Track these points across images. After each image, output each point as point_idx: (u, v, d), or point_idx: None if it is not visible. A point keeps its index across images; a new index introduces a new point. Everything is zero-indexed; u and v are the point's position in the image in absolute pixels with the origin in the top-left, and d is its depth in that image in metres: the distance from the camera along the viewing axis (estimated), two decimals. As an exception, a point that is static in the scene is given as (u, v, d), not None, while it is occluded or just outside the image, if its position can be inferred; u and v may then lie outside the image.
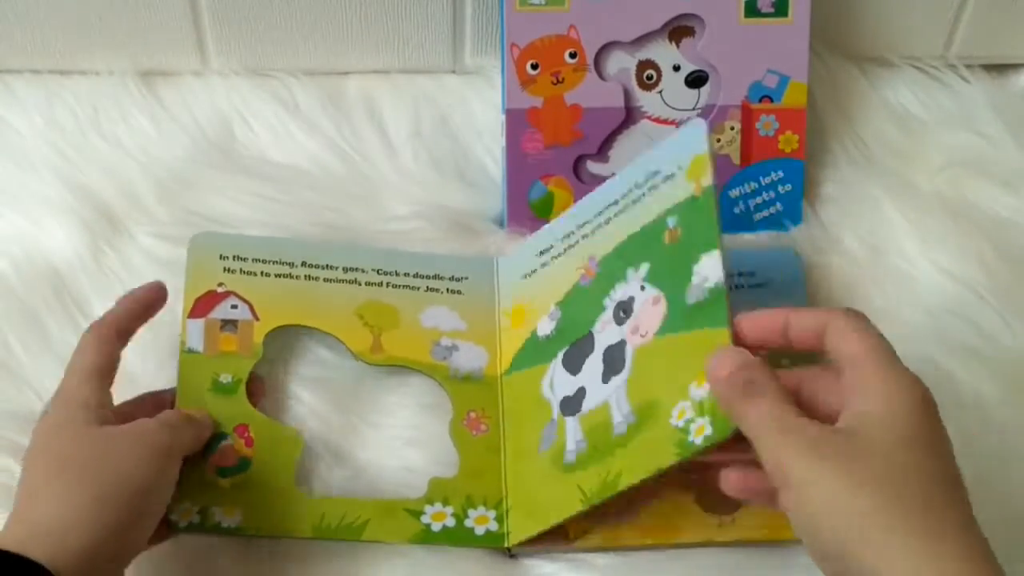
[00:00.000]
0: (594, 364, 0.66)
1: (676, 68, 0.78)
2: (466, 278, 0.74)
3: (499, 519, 0.66)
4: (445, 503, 0.66)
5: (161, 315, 0.67)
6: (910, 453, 0.50)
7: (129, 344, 0.65)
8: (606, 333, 0.66)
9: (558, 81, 0.78)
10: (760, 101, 0.79)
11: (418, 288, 0.72)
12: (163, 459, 0.59)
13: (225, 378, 0.66)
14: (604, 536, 0.67)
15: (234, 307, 0.69)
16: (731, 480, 0.56)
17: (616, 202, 0.68)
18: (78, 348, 0.63)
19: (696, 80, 0.79)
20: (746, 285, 0.75)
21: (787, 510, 0.51)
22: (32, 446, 0.59)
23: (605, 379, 0.65)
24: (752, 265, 0.76)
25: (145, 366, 0.70)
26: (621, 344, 0.65)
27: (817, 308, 0.58)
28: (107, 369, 0.62)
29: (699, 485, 0.68)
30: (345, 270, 0.72)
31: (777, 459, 0.51)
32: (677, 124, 0.79)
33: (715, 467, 0.57)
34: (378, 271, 0.72)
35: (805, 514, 0.50)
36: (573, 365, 0.67)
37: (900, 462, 0.50)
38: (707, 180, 0.62)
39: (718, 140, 0.79)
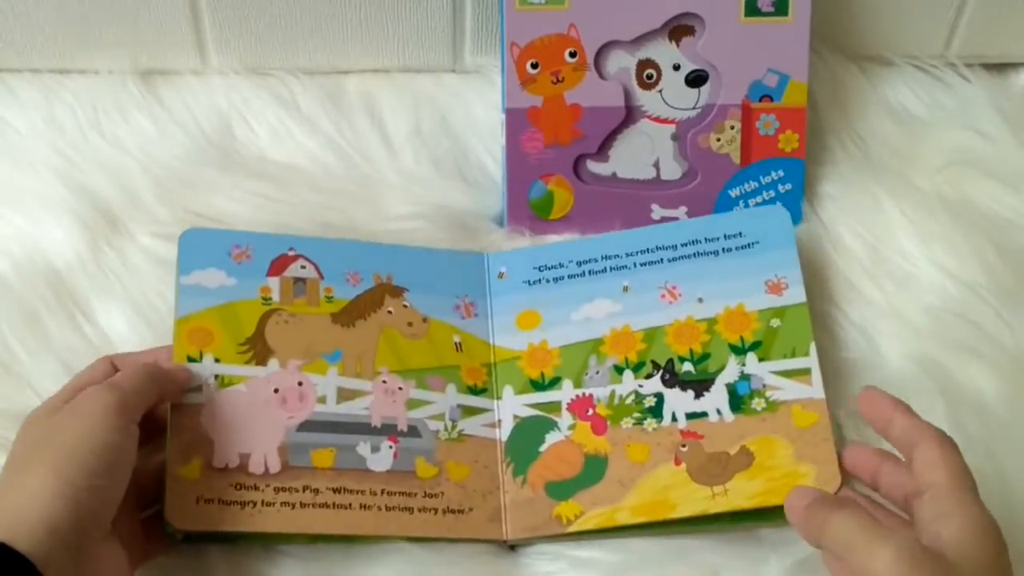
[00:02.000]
0: None
1: (676, 67, 0.78)
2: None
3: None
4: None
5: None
6: None
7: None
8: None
9: (558, 80, 0.78)
10: (760, 100, 0.79)
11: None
12: (109, 418, 0.58)
13: None
14: (599, 518, 0.67)
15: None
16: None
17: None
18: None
19: (696, 79, 0.79)
20: (734, 248, 0.74)
21: None
22: None
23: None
24: (738, 226, 0.75)
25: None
26: None
27: (915, 421, 0.61)
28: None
29: (690, 457, 0.68)
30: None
31: (868, 561, 0.53)
32: (677, 123, 0.79)
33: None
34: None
35: None
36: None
37: None
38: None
39: (718, 139, 0.79)
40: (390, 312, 0.72)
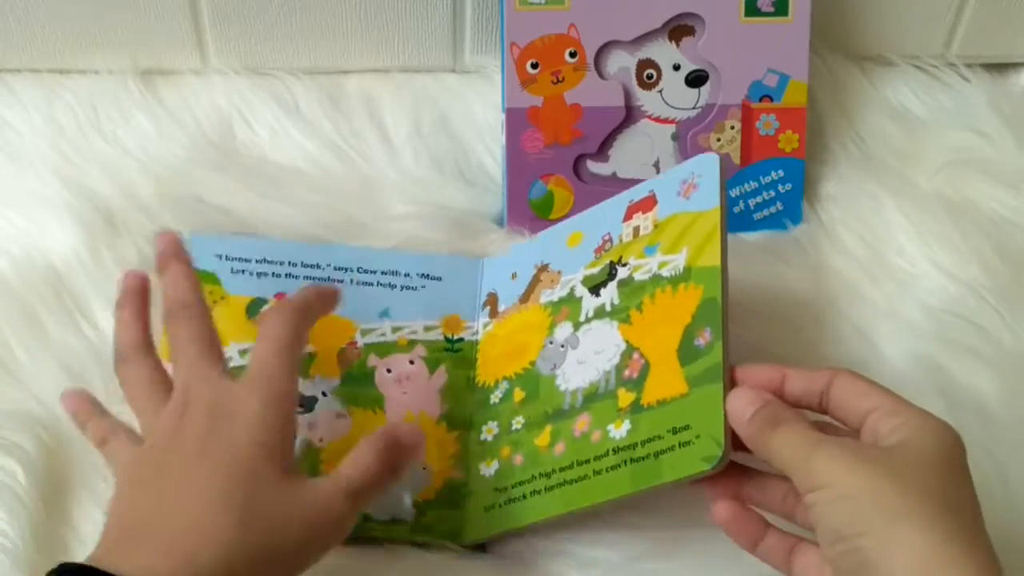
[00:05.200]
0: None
1: (676, 67, 0.78)
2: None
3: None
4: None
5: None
6: (941, 478, 0.51)
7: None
8: None
9: (558, 80, 0.78)
10: (760, 100, 0.79)
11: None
12: (336, 530, 0.56)
13: None
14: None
15: None
16: (720, 512, 0.58)
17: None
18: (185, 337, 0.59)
19: (696, 79, 0.79)
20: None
21: (811, 505, 0.52)
22: (195, 465, 0.54)
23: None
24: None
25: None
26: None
27: (814, 370, 0.57)
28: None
29: None
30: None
31: (809, 467, 0.52)
32: (677, 123, 0.79)
33: None
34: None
35: (832, 498, 0.51)
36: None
37: (933, 479, 0.51)
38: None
39: (718, 139, 0.79)
40: None
